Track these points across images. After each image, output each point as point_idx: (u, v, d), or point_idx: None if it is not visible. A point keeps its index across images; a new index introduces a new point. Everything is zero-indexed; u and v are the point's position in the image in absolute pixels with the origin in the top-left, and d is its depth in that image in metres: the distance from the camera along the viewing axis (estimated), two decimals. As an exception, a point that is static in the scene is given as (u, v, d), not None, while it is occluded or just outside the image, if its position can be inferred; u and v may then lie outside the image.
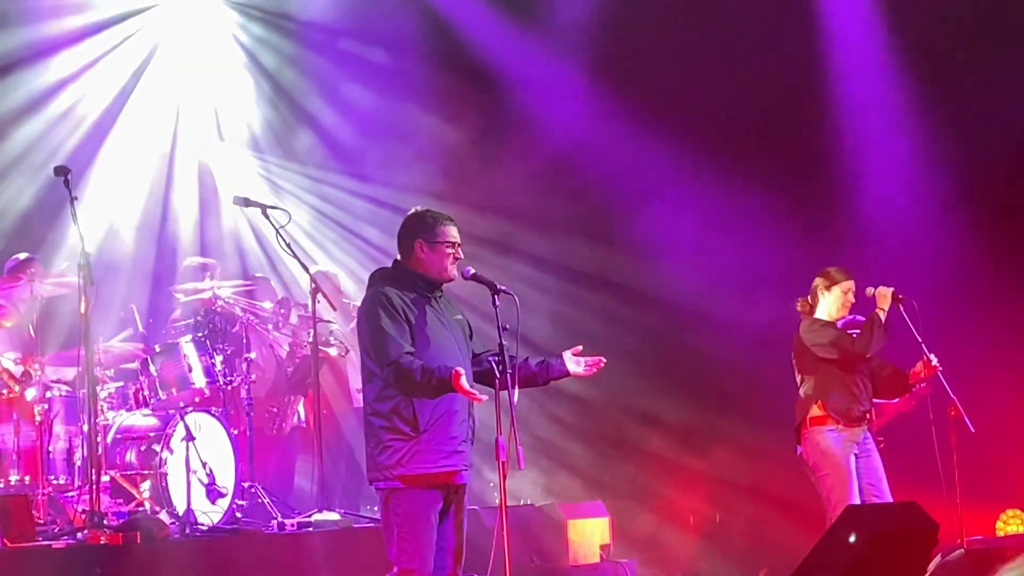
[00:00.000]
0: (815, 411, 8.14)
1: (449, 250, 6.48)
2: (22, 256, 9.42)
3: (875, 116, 11.28)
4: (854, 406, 8.15)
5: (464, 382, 6.19)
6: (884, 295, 8.15)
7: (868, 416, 8.25)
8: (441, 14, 11.78)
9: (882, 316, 8.10)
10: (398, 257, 6.58)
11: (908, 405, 9.73)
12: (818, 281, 8.36)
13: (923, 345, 8.26)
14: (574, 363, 6.53)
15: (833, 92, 11.36)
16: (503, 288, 6.48)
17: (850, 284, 8.29)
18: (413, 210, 6.64)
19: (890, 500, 8.08)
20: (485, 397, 6.30)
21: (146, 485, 8.72)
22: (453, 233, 6.51)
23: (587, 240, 11.82)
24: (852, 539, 6.20)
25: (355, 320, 7.48)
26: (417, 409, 6.26)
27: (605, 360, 6.54)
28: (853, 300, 8.33)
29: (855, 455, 8.13)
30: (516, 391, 6.31)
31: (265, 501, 9.03)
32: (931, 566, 8.11)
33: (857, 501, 7.95)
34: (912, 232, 10.99)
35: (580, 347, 6.57)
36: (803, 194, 11.21)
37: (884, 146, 11.25)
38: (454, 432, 6.32)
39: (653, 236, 11.46)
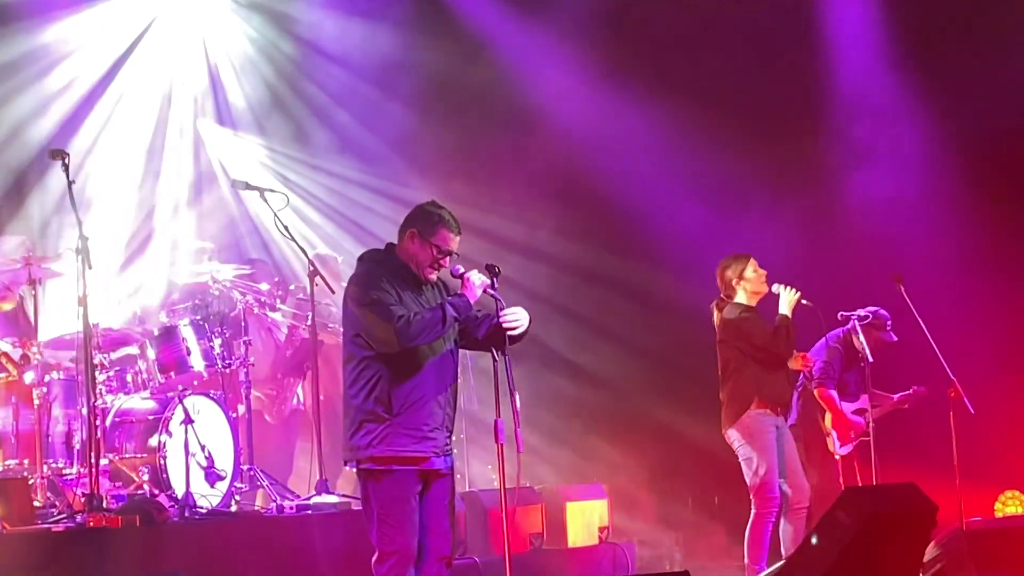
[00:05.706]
0: (752, 398, 8.44)
1: (436, 253, 6.39)
2: (12, 237, 9.38)
3: (876, 103, 11.28)
4: (784, 394, 8.62)
5: (475, 276, 6.33)
6: (789, 299, 8.45)
7: (791, 403, 8.91)
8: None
9: (789, 316, 8.45)
10: (393, 241, 6.54)
11: (905, 402, 9.80)
12: (729, 273, 8.62)
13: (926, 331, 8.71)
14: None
15: (836, 79, 11.36)
16: (493, 292, 6.44)
17: (754, 262, 8.63)
18: (430, 200, 6.56)
19: (800, 471, 8.51)
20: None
21: (145, 468, 8.71)
22: (449, 239, 6.40)
23: (584, 234, 11.81)
24: (814, 540, 6.26)
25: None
26: (392, 392, 6.25)
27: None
28: (764, 271, 8.61)
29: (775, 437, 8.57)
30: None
31: (264, 484, 9.03)
32: (930, 547, 8.13)
33: (777, 475, 8.38)
34: (913, 216, 10.97)
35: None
36: (804, 182, 11.21)
37: (886, 131, 11.25)
38: (426, 419, 6.29)
39: (653, 229, 11.46)
